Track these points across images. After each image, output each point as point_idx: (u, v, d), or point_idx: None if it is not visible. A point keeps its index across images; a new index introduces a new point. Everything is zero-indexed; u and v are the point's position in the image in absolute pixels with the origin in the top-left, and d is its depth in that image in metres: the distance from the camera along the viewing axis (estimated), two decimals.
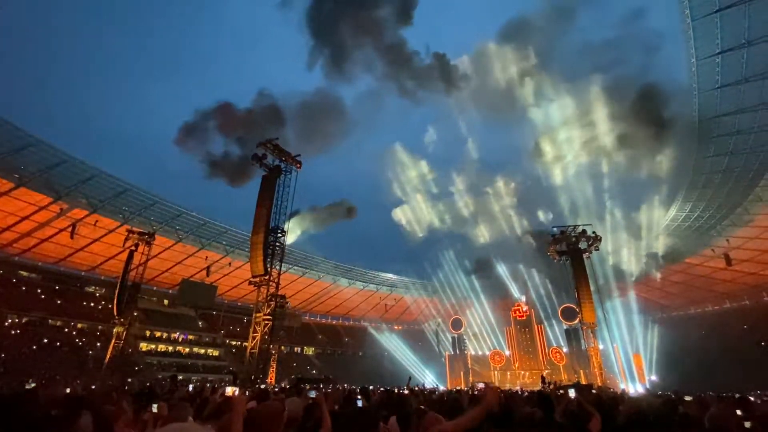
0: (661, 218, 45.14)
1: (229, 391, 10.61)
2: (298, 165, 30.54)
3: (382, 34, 47.26)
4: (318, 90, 53.09)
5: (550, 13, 50.38)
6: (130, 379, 28.85)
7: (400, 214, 71.29)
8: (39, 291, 40.87)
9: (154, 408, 3.81)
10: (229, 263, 49.81)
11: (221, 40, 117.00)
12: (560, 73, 49.56)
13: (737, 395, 9.97)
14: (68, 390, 9.59)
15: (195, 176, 50.20)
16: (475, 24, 79.15)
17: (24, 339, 34.75)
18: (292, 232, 41.69)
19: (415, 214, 70.26)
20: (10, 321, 36.33)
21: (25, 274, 41.29)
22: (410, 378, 28.37)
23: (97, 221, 39.12)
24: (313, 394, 9.04)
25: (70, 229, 37.47)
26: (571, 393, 8.81)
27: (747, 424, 3.37)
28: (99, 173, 36.77)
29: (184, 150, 43.55)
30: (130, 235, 34.89)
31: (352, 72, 53.30)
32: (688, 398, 11.18)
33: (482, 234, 65.72)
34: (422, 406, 5.95)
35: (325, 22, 45.96)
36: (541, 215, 58.23)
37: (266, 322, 26.68)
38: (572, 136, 47.71)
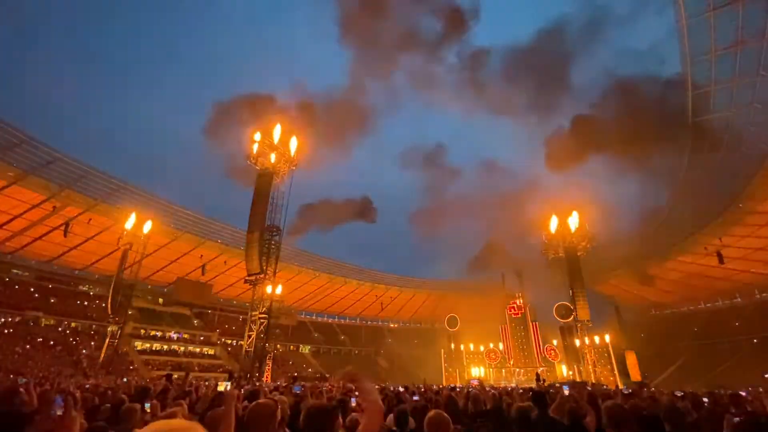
0: (655, 216, 45.48)
1: (221, 386, 10.66)
2: (295, 163, 30.45)
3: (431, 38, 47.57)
4: (337, 88, 53.10)
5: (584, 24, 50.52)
6: (126, 379, 28.71)
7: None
8: (32, 290, 40.54)
9: (147, 407, 3.80)
10: (225, 261, 49.61)
11: (220, 38, 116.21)
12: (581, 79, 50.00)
13: (729, 392, 10.09)
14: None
15: (190, 173, 49.99)
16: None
17: (17, 338, 34.49)
18: (289, 234, 41.32)
19: (418, 214, 70.43)
20: (3, 320, 36.02)
21: (18, 272, 40.93)
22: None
23: (90, 219, 38.81)
24: (298, 389, 9.05)
25: (63, 227, 37.12)
26: (565, 390, 8.87)
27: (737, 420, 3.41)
28: (92, 171, 36.49)
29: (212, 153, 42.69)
30: (124, 233, 34.66)
31: (381, 69, 53.64)
32: (678, 393, 11.25)
33: (480, 231, 65.99)
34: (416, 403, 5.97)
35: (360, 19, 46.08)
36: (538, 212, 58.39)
37: (262, 320, 26.65)
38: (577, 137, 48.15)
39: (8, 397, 3.29)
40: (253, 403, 2.51)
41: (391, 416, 4.33)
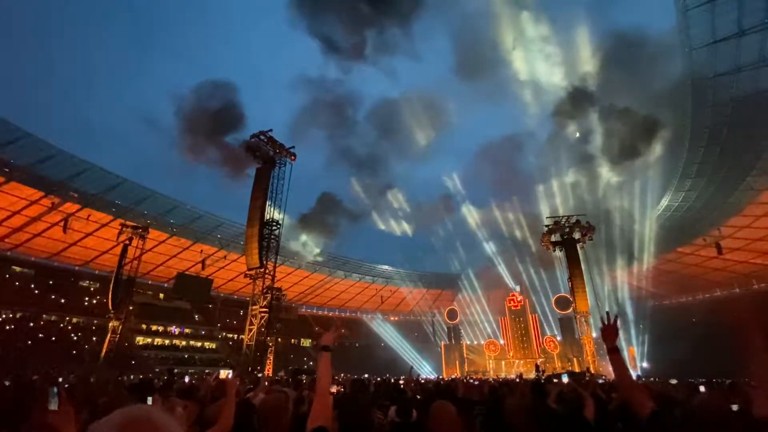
0: (653, 208, 45.49)
1: (223, 374, 10.77)
2: (293, 157, 30.41)
3: None
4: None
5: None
6: (133, 378, 28.87)
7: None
8: (33, 286, 40.56)
9: (149, 401, 3.80)
10: (225, 256, 49.65)
11: (218, 28, 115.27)
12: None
13: (728, 381, 10.14)
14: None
15: (189, 168, 49.86)
16: None
17: (18, 334, 34.58)
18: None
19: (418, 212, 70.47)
20: (4, 316, 36.09)
21: (18, 269, 40.91)
22: (411, 368, 28.46)
23: (89, 215, 38.76)
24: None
25: (62, 223, 37.08)
26: (564, 379, 8.90)
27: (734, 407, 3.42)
28: (91, 167, 36.34)
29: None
30: (124, 228, 34.68)
31: None
32: (673, 381, 11.28)
33: (477, 224, 66.05)
34: (417, 396, 6.00)
35: None
36: (534, 204, 58.41)
37: (262, 314, 26.76)
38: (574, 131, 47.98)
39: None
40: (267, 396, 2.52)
41: (393, 408, 4.34)
